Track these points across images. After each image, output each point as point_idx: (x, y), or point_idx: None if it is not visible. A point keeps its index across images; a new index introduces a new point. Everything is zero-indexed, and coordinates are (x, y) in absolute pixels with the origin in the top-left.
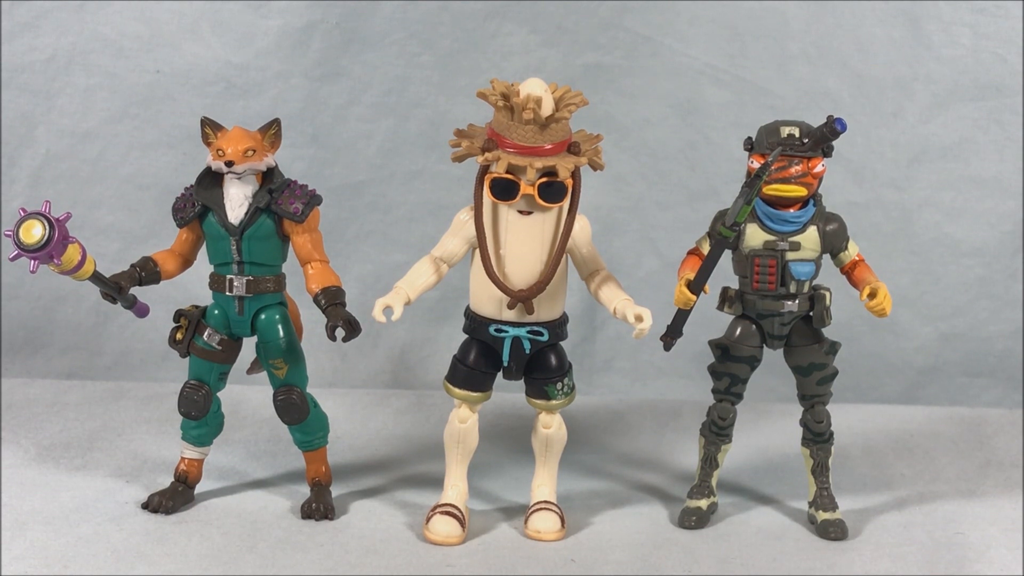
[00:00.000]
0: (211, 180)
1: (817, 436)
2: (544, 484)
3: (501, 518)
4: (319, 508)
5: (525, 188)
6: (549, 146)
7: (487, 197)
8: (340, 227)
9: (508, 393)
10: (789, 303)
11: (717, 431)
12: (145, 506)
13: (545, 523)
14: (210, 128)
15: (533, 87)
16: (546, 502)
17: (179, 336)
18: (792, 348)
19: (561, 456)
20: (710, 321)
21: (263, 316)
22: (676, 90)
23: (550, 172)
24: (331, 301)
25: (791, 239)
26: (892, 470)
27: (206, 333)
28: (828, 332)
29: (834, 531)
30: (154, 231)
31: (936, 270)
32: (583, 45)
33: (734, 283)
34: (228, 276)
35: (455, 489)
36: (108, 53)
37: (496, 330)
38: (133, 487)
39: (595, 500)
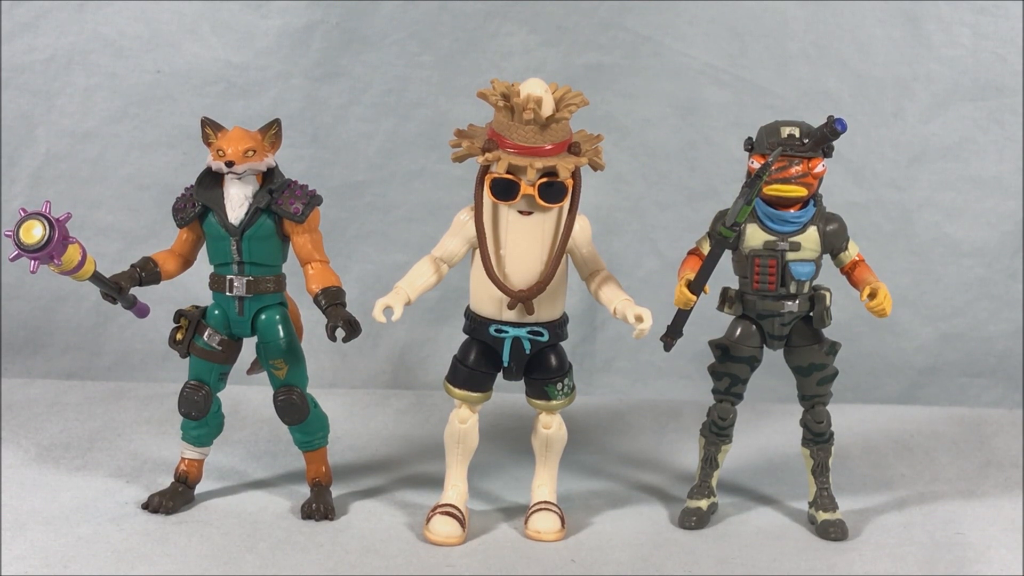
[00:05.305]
0: (211, 180)
1: (817, 436)
2: (544, 484)
3: (501, 518)
4: (319, 508)
5: (525, 188)
6: (549, 146)
7: (487, 197)
8: (340, 227)
9: (508, 393)
10: (789, 303)
11: (717, 431)
12: (145, 506)
13: (545, 523)
14: (210, 128)
15: (533, 87)
16: (546, 502)
17: (179, 336)
18: (792, 348)
19: (561, 456)
20: (710, 321)
21: (263, 316)
22: (676, 90)
23: (550, 172)
24: (331, 301)
25: (791, 239)
26: (892, 470)
27: (206, 333)
28: (828, 332)
29: (834, 531)
30: (154, 231)
31: (936, 270)
32: (583, 45)
33: (734, 283)
34: (228, 276)
35: (455, 489)
36: (108, 53)
37: (496, 330)
38: (133, 487)
39: (595, 500)
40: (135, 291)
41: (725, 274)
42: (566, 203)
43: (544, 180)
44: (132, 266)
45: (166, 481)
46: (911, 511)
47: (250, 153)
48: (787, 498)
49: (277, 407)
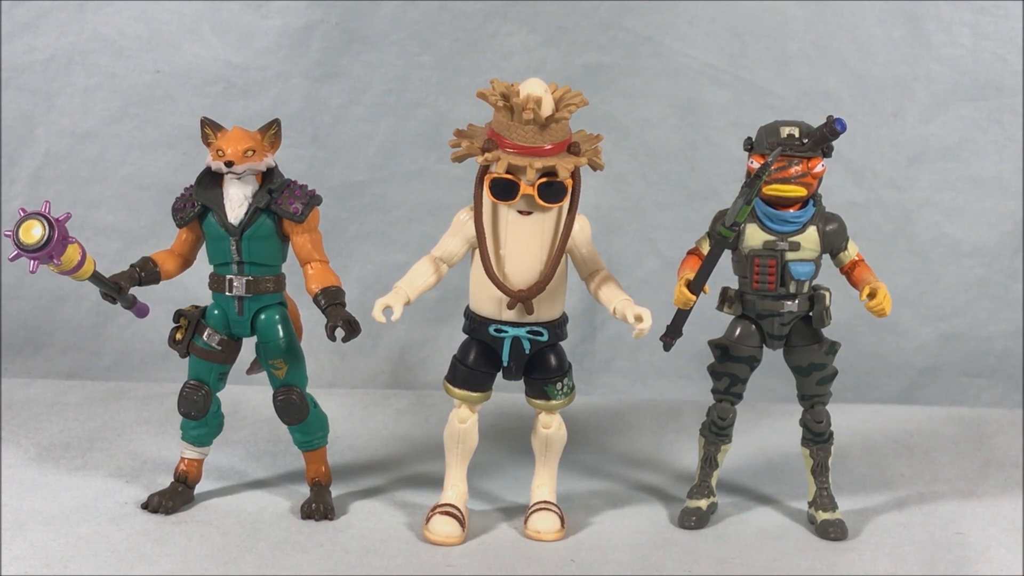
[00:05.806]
0: (211, 180)
1: (817, 436)
2: (544, 484)
3: (501, 518)
4: (319, 508)
5: (525, 188)
6: (549, 146)
7: (487, 197)
8: (340, 227)
9: (508, 393)
10: (789, 303)
11: (717, 431)
12: (145, 506)
13: (545, 523)
14: (210, 128)
15: (533, 87)
16: (546, 502)
17: (179, 336)
18: (792, 348)
19: (561, 456)
20: (710, 321)
21: (263, 316)
22: (676, 90)
23: (550, 172)
24: (331, 301)
25: (791, 239)
26: (892, 470)
27: (206, 333)
28: (828, 332)
29: (834, 531)
30: (154, 231)
31: (936, 270)
32: (583, 45)
33: (734, 283)
34: (228, 276)
35: (455, 489)
36: (108, 53)
37: (496, 330)
38: (133, 487)
39: (595, 500)
40: (135, 291)
41: (725, 274)
42: (566, 203)
43: (544, 180)
44: (131, 266)
45: (166, 481)
46: (911, 511)
47: (250, 153)
48: (787, 498)
49: (277, 407)
